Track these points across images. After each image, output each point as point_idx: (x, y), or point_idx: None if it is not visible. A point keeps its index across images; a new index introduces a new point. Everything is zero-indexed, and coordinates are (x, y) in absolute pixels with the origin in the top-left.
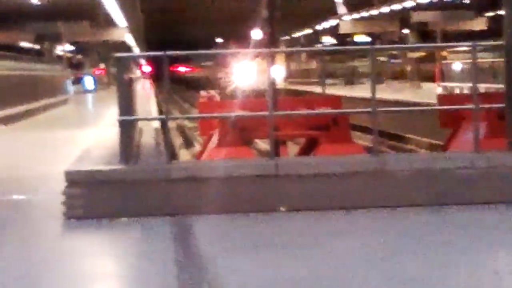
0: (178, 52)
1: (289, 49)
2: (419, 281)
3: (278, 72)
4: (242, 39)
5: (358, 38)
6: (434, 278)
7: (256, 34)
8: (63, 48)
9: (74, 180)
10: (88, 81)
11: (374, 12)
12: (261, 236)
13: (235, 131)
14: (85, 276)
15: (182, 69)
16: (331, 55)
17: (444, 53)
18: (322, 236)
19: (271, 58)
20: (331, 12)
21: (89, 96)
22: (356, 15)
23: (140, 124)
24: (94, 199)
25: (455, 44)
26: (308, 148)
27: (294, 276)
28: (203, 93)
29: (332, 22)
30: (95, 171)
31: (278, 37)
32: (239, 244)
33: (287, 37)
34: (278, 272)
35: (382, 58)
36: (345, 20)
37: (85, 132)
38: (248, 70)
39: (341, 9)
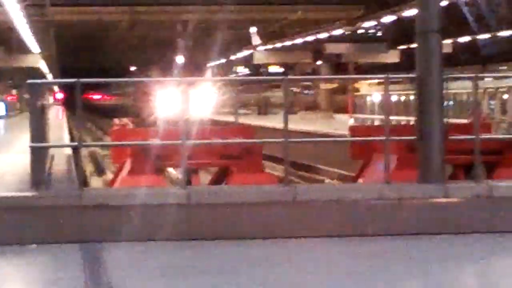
0: (91, 80)
1: (201, 78)
2: None
3: (207, 101)
4: (156, 67)
5: (272, 68)
6: None
7: (177, 60)
8: None
9: None
10: (0, 107)
11: (288, 43)
12: (171, 264)
13: (147, 159)
14: None
15: (95, 96)
16: (245, 85)
17: (357, 85)
18: (236, 263)
19: (187, 87)
20: (246, 42)
21: (1, 122)
22: (270, 46)
23: (52, 150)
24: (3, 225)
25: (368, 76)
26: (221, 177)
27: None
28: (116, 120)
29: (245, 52)
30: (6, 197)
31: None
32: (151, 271)
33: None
34: None
35: (295, 89)
36: (260, 50)
37: None
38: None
39: (256, 39)
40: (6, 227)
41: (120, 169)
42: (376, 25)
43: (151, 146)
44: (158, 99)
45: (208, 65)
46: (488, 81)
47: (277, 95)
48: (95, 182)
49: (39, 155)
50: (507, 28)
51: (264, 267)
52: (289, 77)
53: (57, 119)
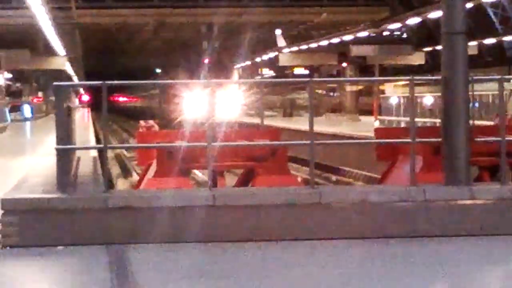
0: (117, 82)
1: (226, 80)
2: None
3: (236, 103)
4: (182, 69)
5: (297, 70)
6: None
7: (203, 63)
8: (2, 76)
9: (10, 208)
10: (27, 110)
11: (314, 45)
12: (198, 266)
13: (173, 161)
14: None
15: (121, 98)
16: (270, 87)
17: (382, 87)
18: (261, 266)
19: (214, 89)
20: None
21: (27, 125)
22: (295, 48)
23: (78, 153)
24: (30, 227)
25: (394, 78)
26: (246, 180)
27: None
28: (142, 123)
29: (270, 54)
30: (32, 199)
31: (230, 66)
32: (176, 273)
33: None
34: None
35: (320, 91)
36: (285, 52)
37: (23, 160)
38: (193, 101)
39: (281, 41)
40: (33, 229)
41: (145, 171)
42: (401, 27)
43: (176, 148)
44: (185, 101)
45: (235, 67)
46: None
47: (302, 97)
48: (121, 184)
49: (65, 157)
50: None
51: (287, 270)
52: (314, 79)
53: (83, 121)
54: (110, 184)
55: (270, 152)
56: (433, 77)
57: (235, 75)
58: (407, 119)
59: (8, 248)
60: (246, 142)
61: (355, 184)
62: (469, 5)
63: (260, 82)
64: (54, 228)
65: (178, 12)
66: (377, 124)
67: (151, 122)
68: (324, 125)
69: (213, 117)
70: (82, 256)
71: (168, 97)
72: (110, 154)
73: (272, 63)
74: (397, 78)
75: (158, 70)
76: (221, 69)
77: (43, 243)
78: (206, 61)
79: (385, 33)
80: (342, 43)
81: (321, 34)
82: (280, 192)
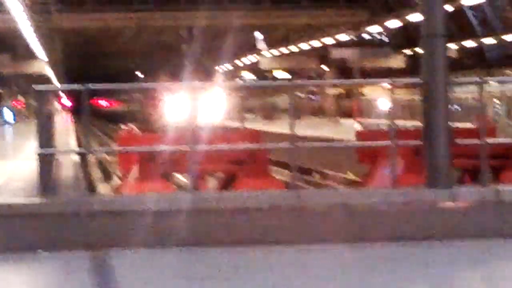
0: (98, 85)
1: (206, 83)
2: None
3: (217, 106)
4: (163, 73)
5: (277, 73)
6: None
7: (183, 66)
8: None
9: None
10: (7, 113)
11: (294, 48)
12: (179, 270)
13: (154, 165)
14: None
15: (102, 102)
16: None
17: (362, 90)
18: (243, 269)
19: (194, 92)
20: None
21: (8, 128)
22: (275, 51)
23: (59, 157)
24: (11, 232)
25: (373, 80)
26: (228, 183)
27: None
28: (123, 126)
29: (251, 58)
30: (13, 203)
31: (212, 68)
32: (159, 278)
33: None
34: None
35: (300, 94)
36: (265, 55)
37: (4, 164)
38: (174, 104)
39: (261, 45)
40: (14, 234)
41: (127, 175)
42: (381, 30)
43: (158, 152)
44: (166, 104)
45: (216, 70)
46: (494, 85)
47: (282, 100)
48: (102, 188)
49: (46, 162)
50: None
51: (269, 273)
52: (295, 82)
53: (64, 125)
54: (91, 188)
55: (252, 155)
56: (413, 80)
57: (218, 78)
58: (387, 121)
59: None
60: (227, 145)
61: (336, 187)
62: (449, 8)
63: (240, 86)
64: (36, 233)
65: (158, 16)
66: (357, 126)
67: (131, 126)
68: (304, 128)
69: (195, 120)
70: (64, 261)
71: (149, 100)
72: (91, 158)
73: (253, 66)
74: (376, 80)
75: (139, 74)
76: (203, 72)
77: (24, 248)
78: (187, 64)
79: (365, 36)
80: (322, 46)
81: (301, 37)
82: (261, 195)
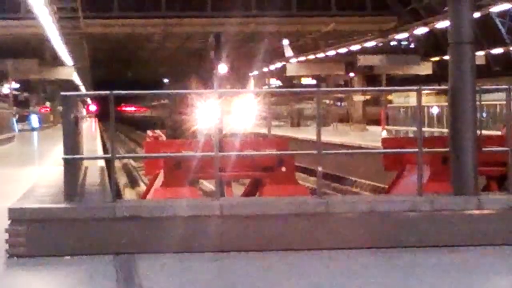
0: (125, 92)
1: (235, 90)
2: None
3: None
4: (189, 79)
5: (305, 80)
6: None
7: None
8: (9, 86)
9: (18, 217)
10: (34, 119)
11: (321, 55)
12: (204, 276)
13: (180, 171)
14: None
15: (128, 108)
16: (278, 97)
17: (390, 97)
18: (271, 276)
19: (220, 98)
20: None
21: (35, 134)
22: (302, 58)
23: (85, 162)
24: (37, 237)
25: (401, 88)
26: (253, 189)
27: None
28: (149, 132)
29: (278, 64)
30: (39, 208)
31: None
32: (185, 283)
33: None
34: None
35: (327, 101)
36: (292, 62)
37: (31, 170)
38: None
39: (288, 52)
40: (40, 239)
41: (153, 181)
42: (408, 37)
43: (184, 158)
44: (198, 111)
45: (247, 77)
46: None
47: (309, 107)
48: (128, 194)
49: (72, 167)
50: None
51: (298, 279)
52: (322, 89)
53: (91, 131)
54: (117, 194)
55: (278, 161)
56: (441, 87)
57: (251, 84)
58: (414, 128)
59: (15, 257)
60: (253, 152)
61: (363, 194)
62: (476, 14)
63: (267, 92)
64: (61, 238)
65: (185, 22)
66: (384, 134)
67: (158, 132)
68: (332, 135)
69: (220, 126)
70: (90, 266)
71: (177, 107)
72: (117, 164)
73: (280, 73)
74: (404, 88)
75: (166, 80)
76: (236, 78)
77: (50, 253)
78: (220, 69)
79: (392, 43)
80: (349, 53)
81: (328, 44)
82: (287, 201)
